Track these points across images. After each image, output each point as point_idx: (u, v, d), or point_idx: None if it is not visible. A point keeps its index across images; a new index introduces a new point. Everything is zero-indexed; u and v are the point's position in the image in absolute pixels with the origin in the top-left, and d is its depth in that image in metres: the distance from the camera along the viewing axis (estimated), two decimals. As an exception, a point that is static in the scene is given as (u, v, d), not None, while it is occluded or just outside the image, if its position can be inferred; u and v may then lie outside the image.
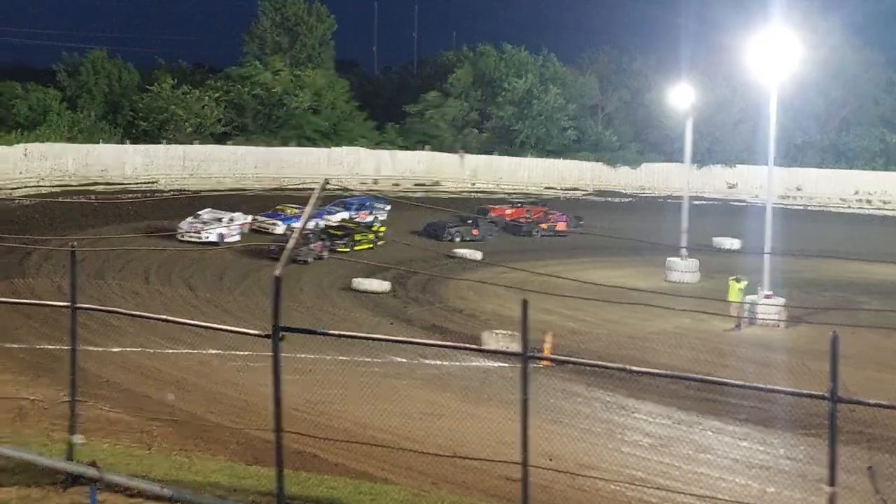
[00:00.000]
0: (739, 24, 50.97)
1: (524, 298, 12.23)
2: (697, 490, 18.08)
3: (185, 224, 52.91)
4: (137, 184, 64.35)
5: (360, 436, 19.36)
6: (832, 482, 10.96)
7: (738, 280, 43.11)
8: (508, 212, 63.79)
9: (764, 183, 50.52)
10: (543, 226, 62.32)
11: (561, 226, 63.03)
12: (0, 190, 57.18)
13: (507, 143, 79.30)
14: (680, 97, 59.08)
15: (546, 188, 77.00)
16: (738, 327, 41.08)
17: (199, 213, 54.56)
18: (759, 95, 50.32)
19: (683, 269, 52.42)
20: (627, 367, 20.01)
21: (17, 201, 56.70)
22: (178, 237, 51.42)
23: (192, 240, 51.50)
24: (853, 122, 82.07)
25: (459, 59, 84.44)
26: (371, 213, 59.72)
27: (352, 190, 66.86)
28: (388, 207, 61.07)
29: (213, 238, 51.97)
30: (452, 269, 49.89)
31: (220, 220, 54.21)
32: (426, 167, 75.18)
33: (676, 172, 71.85)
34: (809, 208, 76.18)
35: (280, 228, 54.62)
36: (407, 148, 75.89)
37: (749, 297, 42.02)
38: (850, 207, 77.96)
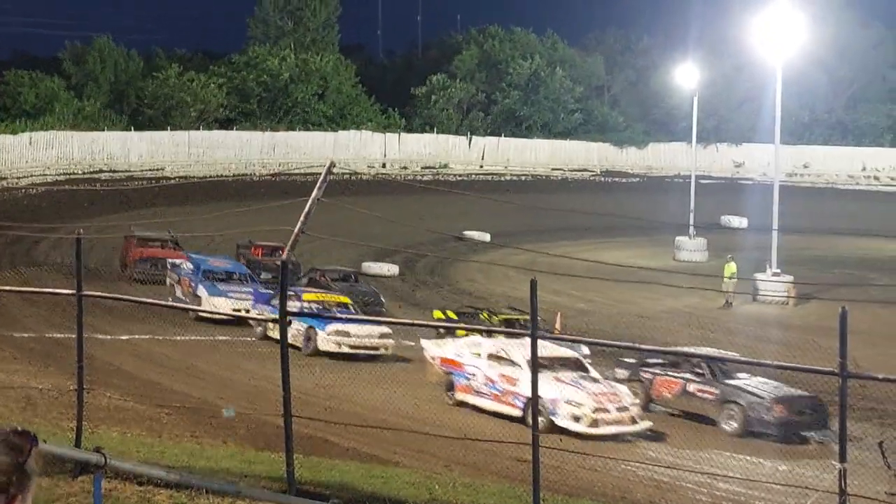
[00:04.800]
0: (746, 1, 50.82)
1: (533, 279, 12.21)
2: (708, 469, 18.08)
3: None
4: (143, 171, 64.38)
5: (371, 420, 19.36)
6: (843, 458, 10.93)
7: (730, 259, 43.00)
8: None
9: (771, 161, 50.47)
10: None
11: None
12: (6, 179, 57.18)
13: (513, 125, 79.13)
14: (685, 76, 59.06)
15: (553, 169, 76.92)
16: (729, 304, 41.13)
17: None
18: (766, 73, 50.21)
19: (692, 248, 52.52)
20: (636, 345, 20.17)
21: (23, 190, 56.75)
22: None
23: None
24: (861, 98, 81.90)
25: (466, 41, 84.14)
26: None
27: (360, 174, 66.66)
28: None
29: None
30: (461, 251, 49.82)
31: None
32: (433, 150, 75.12)
33: (683, 152, 71.95)
34: (817, 186, 76.09)
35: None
36: (412, 131, 75.81)
37: (757, 275, 42.07)
38: (857, 184, 77.86)
